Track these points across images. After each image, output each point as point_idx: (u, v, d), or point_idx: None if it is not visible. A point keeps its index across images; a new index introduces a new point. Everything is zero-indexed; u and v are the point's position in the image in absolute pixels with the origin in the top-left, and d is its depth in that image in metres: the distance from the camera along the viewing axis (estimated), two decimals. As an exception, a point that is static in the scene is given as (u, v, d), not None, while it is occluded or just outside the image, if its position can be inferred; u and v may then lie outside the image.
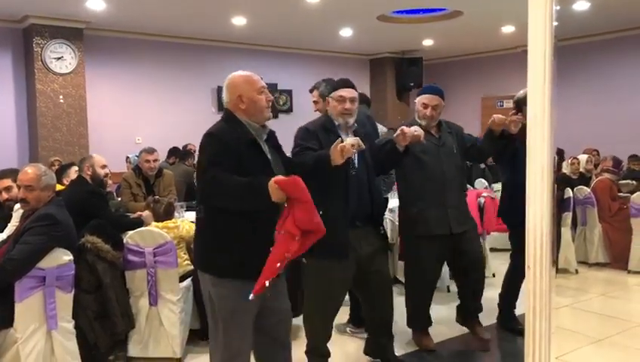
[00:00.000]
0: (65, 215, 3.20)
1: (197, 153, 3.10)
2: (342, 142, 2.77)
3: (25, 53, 7.67)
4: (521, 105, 3.76)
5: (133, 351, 3.64)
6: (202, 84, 9.27)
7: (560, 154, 8.13)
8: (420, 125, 3.52)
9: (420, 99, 3.68)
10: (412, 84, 11.04)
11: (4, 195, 3.92)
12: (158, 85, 8.75)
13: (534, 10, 1.68)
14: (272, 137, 2.62)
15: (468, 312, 3.90)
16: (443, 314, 4.27)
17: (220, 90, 9.74)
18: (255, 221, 2.39)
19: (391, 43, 10.17)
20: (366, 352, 3.55)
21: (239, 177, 2.34)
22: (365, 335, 3.66)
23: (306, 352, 3.31)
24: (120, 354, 3.64)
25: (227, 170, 2.35)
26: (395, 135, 3.20)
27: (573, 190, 6.10)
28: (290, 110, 10.20)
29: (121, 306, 3.48)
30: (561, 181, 6.08)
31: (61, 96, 7.63)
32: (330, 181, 2.97)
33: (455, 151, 3.70)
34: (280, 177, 2.29)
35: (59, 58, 7.58)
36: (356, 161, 3.14)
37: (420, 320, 3.86)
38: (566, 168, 6.74)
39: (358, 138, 2.85)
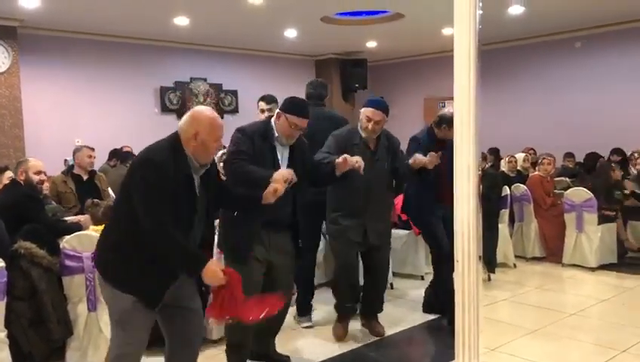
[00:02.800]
0: (-5, 220, 3.10)
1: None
2: (274, 161, 3.07)
3: (-47, 52, 7.33)
4: (442, 123, 4.13)
5: (72, 358, 3.55)
6: (145, 84, 9.10)
7: (495, 153, 8.43)
8: (360, 136, 3.81)
9: (365, 112, 3.80)
10: (357, 86, 11.18)
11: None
12: (98, 85, 8.53)
13: (459, 15, 1.76)
14: (208, 172, 2.61)
15: (370, 310, 4.16)
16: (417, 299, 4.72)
17: (163, 90, 9.58)
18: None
19: (335, 44, 10.26)
20: None
21: (182, 238, 2.39)
22: (310, 324, 4.30)
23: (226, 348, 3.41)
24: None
25: (168, 206, 2.35)
26: (336, 160, 3.31)
27: (510, 188, 6.33)
28: (235, 110, 10.13)
29: (58, 312, 3.39)
30: (499, 179, 6.30)
31: (-6, 97, 7.33)
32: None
33: (386, 168, 3.89)
34: (229, 270, 2.45)
35: (-9, 57, 7.28)
36: (284, 165, 3.24)
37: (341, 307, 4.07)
38: (504, 166, 6.99)
39: (291, 172, 2.93)
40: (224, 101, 10.02)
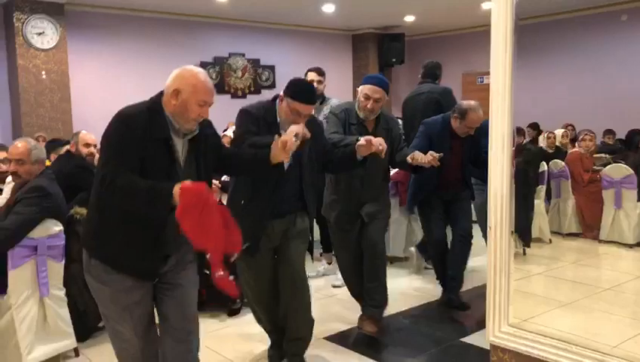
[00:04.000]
0: (55, 187, 3.30)
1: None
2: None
3: (5, 29, 7.62)
4: (455, 111, 3.90)
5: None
6: (186, 59, 9.14)
7: (536, 128, 8.33)
8: (358, 116, 3.48)
9: (362, 89, 3.45)
10: (394, 60, 11.14)
11: (0, 167, 3.99)
12: (140, 60, 8.75)
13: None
14: (204, 138, 2.37)
15: (366, 304, 3.70)
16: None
17: (202, 65, 9.77)
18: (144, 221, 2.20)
19: (373, 19, 10.23)
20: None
21: (139, 180, 2.12)
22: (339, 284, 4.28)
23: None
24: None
25: (128, 163, 2.13)
26: (358, 143, 3.01)
27: (548, 164, 6.30)
28: (273, 86, 10.24)
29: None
30: (538, 154, 6.28)
31: (44, 72, 7.61)
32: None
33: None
34: (187, 183, 2.05)
35: (40, 33, 7.55)
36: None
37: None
38: (542, 142, 6.93)
39: (302, 126, 2.61)
40: (261, 76, 10.14)
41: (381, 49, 11.26)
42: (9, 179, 3.62)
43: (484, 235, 4.41)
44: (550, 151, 6.70)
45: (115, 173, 2.12)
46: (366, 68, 11.32)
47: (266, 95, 9.38)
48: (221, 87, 9.38)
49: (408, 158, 3.37)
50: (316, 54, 10.50)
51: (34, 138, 6.78)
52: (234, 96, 9.75)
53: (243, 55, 9.93)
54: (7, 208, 3.21)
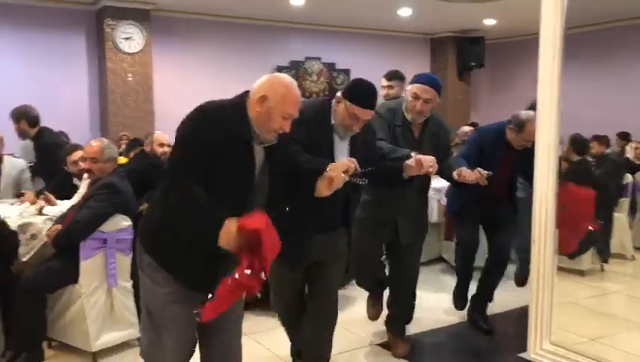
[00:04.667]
0: (125, 184, 3.50)
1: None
2: (331, 156, 2.51)
3: (97, 34, 8.13)
4: (511, 122, 3.56)
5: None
6: (263, 63, 9.49)
7: (625, 138, 7.84)
8: (404, 117, 3.21)
9: (412, 89, 3.17)
10: (473, 64, 10.89)
11: (78, 166, 4.28)
12: (220, 64, 9.06)
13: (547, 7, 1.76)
14: (277, 146, 2.23)
15: (394, 321, 3.59)
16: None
17: (279, 69, 9.96)
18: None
19: (452, 22, 10.03)
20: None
21: (204, 196, 2.01)
22: None
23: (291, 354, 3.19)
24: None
25: (201, 165, 2.03)
26: (407, 162, 2.86)
27: (634, 175, 5.94)
28: (348, 90, 10.29)
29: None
30: (622, 166, 5.93)
31: (129, 75, 8.07)
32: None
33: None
34: (247, 220, 1.94)
35: (128, 38, 8.00)
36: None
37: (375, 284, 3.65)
38: (629, 153, 6.55)
39: (353, 161, 2.40)
40: (336, 80, 10.22)
41: (460, 53, 11.04)
42: (85, 175, 3.86)
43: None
44: (638, 162, 6.33)
45: (185, 175, 2.02)
46: (444, 72, 11.13)
47: (341, 98, 9.45)
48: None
49: (455, 174, 3.10)
50: (393, 58, 10.42)
51: (119, 137, 7.25)
52: (308, 98, 9.91)
53: (319, 59, 10.05)
54: (82, 203, 3.44)
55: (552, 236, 1.79)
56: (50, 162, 4.55)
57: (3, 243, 3.29)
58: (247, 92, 2.15)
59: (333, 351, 3.02)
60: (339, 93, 2.68)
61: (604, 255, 5.37)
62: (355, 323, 3.93)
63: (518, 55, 11.06)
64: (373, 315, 3.74)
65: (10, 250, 3.38)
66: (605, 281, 5.08)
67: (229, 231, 1.94)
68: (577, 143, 5.15)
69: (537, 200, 1.81)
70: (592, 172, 5.38)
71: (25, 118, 4.76)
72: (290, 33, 9.66)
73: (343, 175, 2.30)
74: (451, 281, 4.27)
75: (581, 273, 5.06)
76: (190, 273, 2.14)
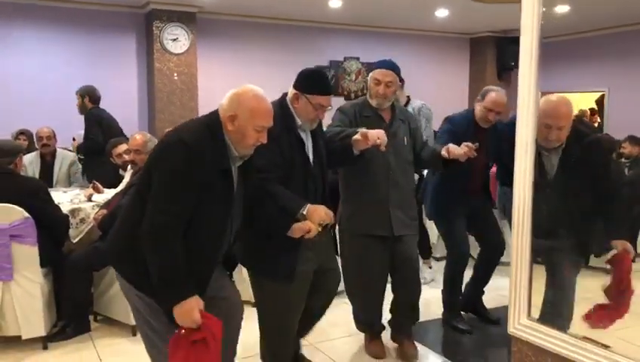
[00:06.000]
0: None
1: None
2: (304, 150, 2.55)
3: (146, 36, 8.61)
4: (479, 94, 3.67)
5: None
6: (303, 62, 9.68)
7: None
8: (370, 105, 3.26)
9: (373, 75, 3.25)
10: (513, 64, 10.88)
11: (123, 158, 4.68)
12: (261, 64, 9.40)
13: (525, 11, 1.97)
14: (245, 164, 2.25)
15: (400, 326, 3.53)
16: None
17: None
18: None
19: (490, 22, 10.07)
20: None
21: (177, 257, 1.98)
22: None
23: None
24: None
25: (185, 205, 2.00)
26: (354, 137, 2.83)
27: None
28: (386, 89, 10.50)
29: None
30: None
31: (175, 74, 8.51)
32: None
33: (406, 144, 3.30)
34: (208, 315, 1.98)
35: (174, 39, 8.44)
36: (310, 156, 2.76)
37: (367, 323, 3.51)
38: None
39: (330, 214, 2.52)
40: (375, 79, 10.42)
41: (500, 52, 11.05)
42: (129, 167, 4.25)
43: None
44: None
45: (173, 215, 1.97)
46: (483, 72, 11.18)
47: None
48: (335, 90, 9.83)
49: (443, 152, 3.10)
50: (431, 58, 10.60)
51: (165, 133, 7.67)
52: (347, 98, 10.13)
53: (357, 59, 10.27)
54: (126, 190, 3.80)
55: (529, 221, 1.99)
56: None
57: (56, 225, 3.68)
58: (216, 111, 2.16)
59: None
60: (291, 91, 2.69)
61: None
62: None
63: (556, 54, 10.99)
64: (378, 353, 3.48)
65: (62, 232, 3.77)
66: (635, 280, 5.10)
67: (189, 312, 1.95)
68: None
69: (517, 188, 2.01)
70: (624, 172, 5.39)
71: (89, 95, 5.63)
72: (329, 33, 9.93)
73: (316, 227, 2.38)
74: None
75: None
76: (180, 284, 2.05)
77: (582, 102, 10.84)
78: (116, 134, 5.37)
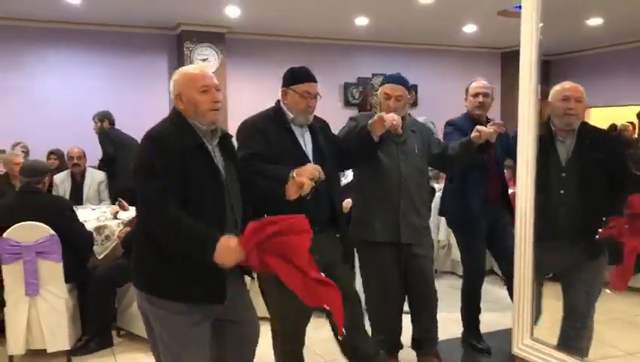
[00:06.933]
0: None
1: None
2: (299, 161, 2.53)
3: (177, 56, 8.83)
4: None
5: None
6: (331, 80, 9.89)
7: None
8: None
9: (382, 89, 3.32)
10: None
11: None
12: (290, 82, 9.54)
13: (524, 27, 1.98)
14: (225, 142, 2.33)
15: (422, 343, 3.47)
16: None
17: (346, 86, 10.29)
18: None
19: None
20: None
21: (189, 219, 2.01)
22: None
23: None
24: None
25: (172, 185, 2.05)
26: (370, 121, 2.93)
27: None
28: (414, 104, 10.46)
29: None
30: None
31: (205, 93, 8.70)
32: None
33: (416, 152, 3.34)
34: (242, 237, 1.94)
35: (204, 59, 8.64)
36: (310, 154, 2.84)
37: (384, 340, 3.41)
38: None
39: (317, 168, 2.52)
40: (404, 95, 10.42)
41: (531, 66, 10.93)
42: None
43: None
44: None
45: (161, 198, 2.02)
46: (515, 87, 10.95)
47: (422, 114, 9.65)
48: (363, 106, 9.87)
49: (473, 135, 3.11)
50: (461, 72, 10.51)
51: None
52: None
53: (385, 75, 10.29)
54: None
55: (532, 238, 1.97)
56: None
57: (80, 242, 3.81)
58: (173, 107, 2.27)
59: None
60: (280, 91, 2.88)
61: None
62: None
63: (588, 69, 10.79)
64: None
65: (86, 249, 3.90)
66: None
67: (227, 247, 1.94)
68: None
69: (519, 205, 2.00)
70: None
71: (108, 118, 6.38)
72: (356, 50, 10.00)
73: (309, 181, 2.39)
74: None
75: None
76: (198, 288, 2.10)
77: (622, 115, 10.58)
78: (130, 150, 5.72)
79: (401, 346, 3.53)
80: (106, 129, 6.31)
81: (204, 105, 2.20)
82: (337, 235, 2.92)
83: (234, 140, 2.54)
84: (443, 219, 5.15)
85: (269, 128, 2.73)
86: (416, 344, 3.50)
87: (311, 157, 2.81)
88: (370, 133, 2.92)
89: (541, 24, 1.90)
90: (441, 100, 9.65)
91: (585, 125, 2.83)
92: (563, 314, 2.92)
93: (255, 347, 2.42)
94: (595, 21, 8.43)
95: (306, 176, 2.40)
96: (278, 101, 2.93)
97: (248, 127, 2.81)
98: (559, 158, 2.69)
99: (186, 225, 2.00)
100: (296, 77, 2.83)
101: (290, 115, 2.82)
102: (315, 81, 2.85)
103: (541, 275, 2.80)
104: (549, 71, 10.93)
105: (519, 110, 1.98)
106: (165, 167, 2.05)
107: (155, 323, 2.19)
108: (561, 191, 2.60)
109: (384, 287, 3.31)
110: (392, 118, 2.88)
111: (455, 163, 3.41)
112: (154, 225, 2.07)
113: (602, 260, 2.99)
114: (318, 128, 2.91)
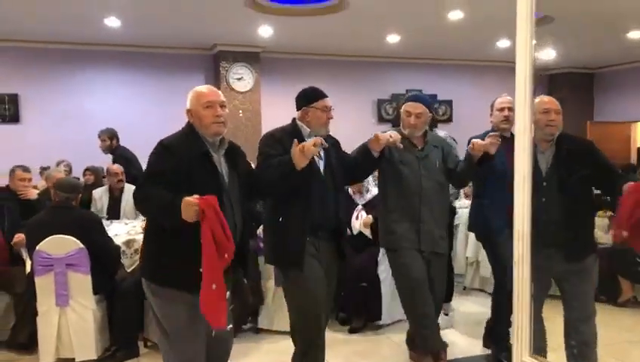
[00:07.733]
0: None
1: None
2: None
3: (214, 76, 9.10)
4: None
5: (262, 322, 4.42)
6: (364, 97, 9.98)
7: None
8: (403, 134, 3.45)
9: (404, 107, 3.57)
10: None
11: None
12: (324, 99, 9.66)
13: (520, 40, 2.00)
14: (232, 153, 2.64)
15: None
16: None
17: (379, 102, 10.32)
18: (179, 235, 2.35)
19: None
20: None
21: (165, 193, 2.31)
22: None
23: None
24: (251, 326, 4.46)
25: (167, 183, 2.36)
26: (367, 140, 3.21)
27: None
28: (449, 120, 10.43)
29: (251, 284, 4.26)
30: None
31: (240, 111, 8.90)
32: (292, 189, 2.88)
33: (437, 166, 3.55)
34: (197, 196, 2.24)
35: (240, 78, 8.87)
36: (321, 167, 3.07)
37: (422, 339, 3.59)
38: None
39: (319, 138, 2.81)
40: (438, 111, 10.37)
41: (569, 80, 10.74)
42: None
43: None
44: None
45: (147, 187, 2.40)
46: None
47: (444, 129, 9.59)
48: (397, 122, 9.87)
49: (468, 150, 3.34)
50: (495, 87, 10.32)
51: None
52: (409, 130, 10.18)
53: (420, 91, 10.28)
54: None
55: (529, 257, 1.97)
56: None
57: (108, 256, 3.96)
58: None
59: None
60: (298, 113, 3.14)
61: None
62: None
63: (632, 82, 10.50)
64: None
65: (113, 262, 4.05)
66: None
67: (189, 203, 2.22)
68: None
69: (516, 224, 2.00)
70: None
71: (116, 136, 6.73)
72: (390, 67, 10.05)
73: (311, 146, 2.69)
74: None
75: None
76: (191, 276, 2.31)
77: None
78: (137, 168, 6.22)
79: (445, 344, 3.66)
80: (118, 147, 6.67)
81: (207, 119, 2.52)
82: (337, 247, 3.15)
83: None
84: (471, 235, 5.14)
85: (285, 140, 2.97)
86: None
87: (322, 171, 3.07)
88: (369, 151, 3.20)
89: (534, 41, 1.91)
90: (475, 116, 9.58)
91: (562, 136, 3.04)
92: (564, 328, 3.01)
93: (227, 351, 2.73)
94: (636, 34, 8.23)
95: (309, 143, 2.70)
96: (294, 119, 3.18)
97: (267, 137, 3.13)
98: (539, 168, 2.92)
99: (158, 194, 2.33)
100: (313, 96, 3.12)
101: (307, 130, 3.08)
102: (327, 97, 3.15)
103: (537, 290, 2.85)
104: (591, 83, 10.75)
105: (515, 126, 2.00)
106: (165, 168, 2.39)
107: (157, 312, 2.53)
108: (543, 199, 2.76)
109: (413, 280, 3.49)
110: (388, 136, 3.16)
111: (462, 178, 3.63)
112: (137, 199, 2.45)
113: (589, 262, 3.04)
114: (330, 145, 3.11)
